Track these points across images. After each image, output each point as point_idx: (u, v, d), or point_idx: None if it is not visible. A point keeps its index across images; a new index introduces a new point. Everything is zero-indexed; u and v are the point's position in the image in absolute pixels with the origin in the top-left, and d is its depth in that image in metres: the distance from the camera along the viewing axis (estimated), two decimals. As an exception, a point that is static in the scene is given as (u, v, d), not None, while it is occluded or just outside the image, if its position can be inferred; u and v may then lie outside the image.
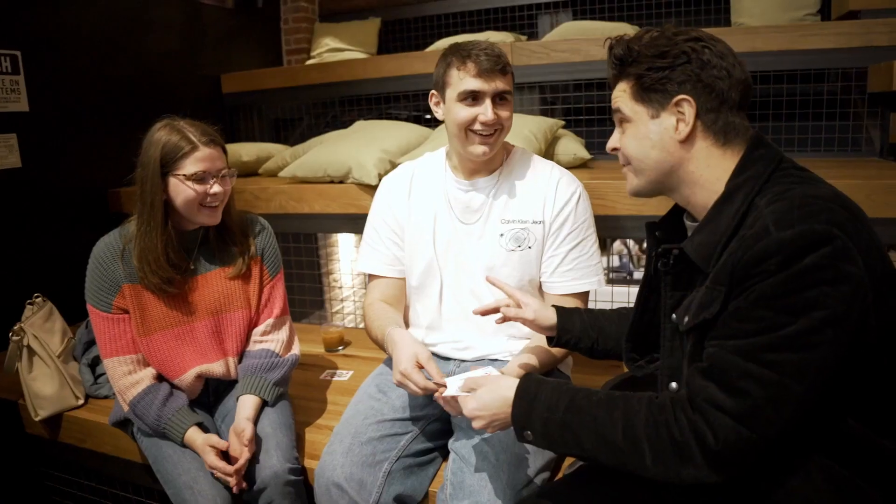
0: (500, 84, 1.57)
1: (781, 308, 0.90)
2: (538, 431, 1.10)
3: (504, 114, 1.59)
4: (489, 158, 1.63)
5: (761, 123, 2.98)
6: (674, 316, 1.10)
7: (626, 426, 1.00)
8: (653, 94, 1.08)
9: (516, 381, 1.16)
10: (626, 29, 3.31)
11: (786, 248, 0.90)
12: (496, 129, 1.59)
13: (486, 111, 1.55)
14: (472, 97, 1.56)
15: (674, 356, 1.12)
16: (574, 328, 1.42)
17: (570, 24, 3.49)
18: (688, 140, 1.07)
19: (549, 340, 1.46)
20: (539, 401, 1.11)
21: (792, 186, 0.99)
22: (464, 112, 1.57)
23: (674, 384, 1.09)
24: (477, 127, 1.57)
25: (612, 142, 1.18)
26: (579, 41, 3.01)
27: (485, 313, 1.46)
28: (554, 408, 1.08)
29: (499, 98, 1.58)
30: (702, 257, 1.04)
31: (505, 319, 1.45)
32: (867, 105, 2.73)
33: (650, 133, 1.10)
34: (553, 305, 1.46)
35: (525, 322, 1.42)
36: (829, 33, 2.65)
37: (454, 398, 1.30)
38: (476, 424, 1.21)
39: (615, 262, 4.02)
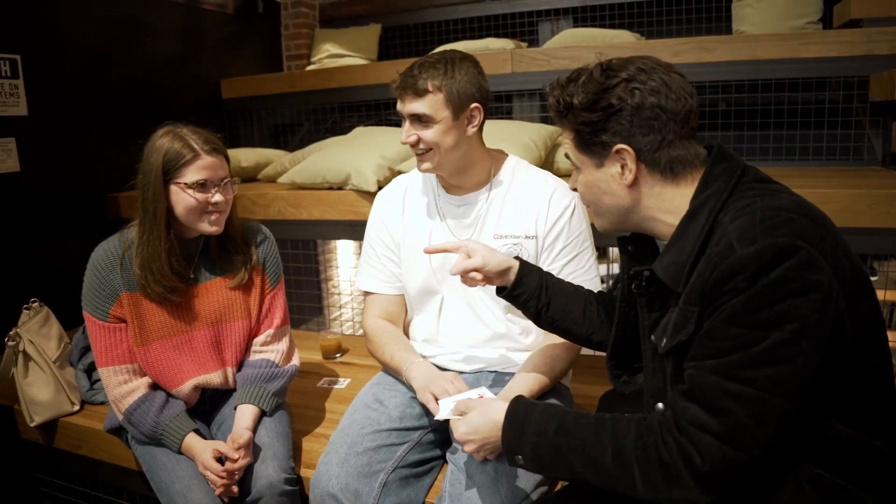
0: (409, 106, 1.53)
1: (754, 324, 0.91)
2: (528, 455, 1.10)
3: (426, 134, 1.53)
4: (471, 173, 1.62)
5: (762, 132, 2.98)
6: (652, 337, 1.11)
7: (616, 449, 1.01)
8: (591, 146, 1.09)
9: (506, 405, 1.16)
10: (626, 37, 3.31)
11: (751, 265, 0.90)
12: (428, 149, 1.56)
13: (403, 132, 1.56)
14: (405, 118, 1.57)
15: (656, 377, 1.12)
16: (531, 284, 1.38)
17: (571, 31, 3.49)
18: (635, 183, 1.08)
19: (500, 291, 1.41)
20: (528, 425, 1.11)
21: (753, 200, 0.99)
22: (403, 129, 1.58)
23: (660, 405, 1.09)
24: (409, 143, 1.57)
25: (572, 182, 1.20)
26: (580, 48, 3.01)
27: (436, 251, 1.45)
28: (543, 432, 1.08)
29: (417, 119, 1.54)
30: (671, 278, 1.05)
31: (463, 276, 1.38)
32: (869, 114, 2.73)
33: (598, 181, 1.11)
34: (516, 257, 1.42)
35: (478, 271, 1.35)
36: (830, 42, 2.65)
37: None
38: (467, 448, 1.22)
39: (615, 269, 4.00)
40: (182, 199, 1.57)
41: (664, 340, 1.05)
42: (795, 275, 0.89)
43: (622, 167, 1.07)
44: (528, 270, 1.39)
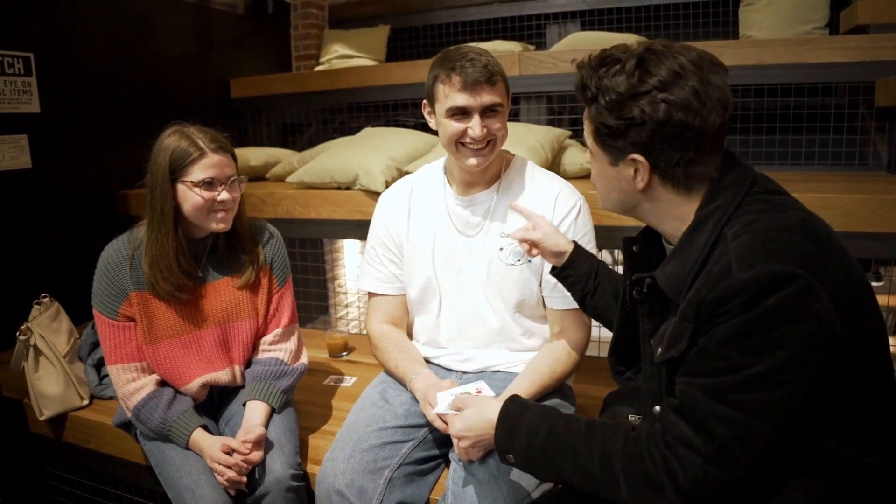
0: (487, 97, 1.50)
1: (746, 349, 0.91)
2: (519, 456, 1.12)
3: (495, 125, 1.53)
4: (485, 170, 1.61)
5: (768, 136, 2.99)
6: (652, 342, 1.11)
7: (603, 457, 1.02)
8: (609, 146, 1.07)
9: (500, 404, 1.18)
10: (633, 41, 3.32)
11: (747, 290, 0.90)
12: (489, 141, 1.55)
13: (474, 127, 1.51)
14: (461, 112, 1.52)
15: (654, 381, 1.12)
16: (580, 269, 1.45)
17: (578, 34, 3.50)
18: (647, 189, 1.07)
19: (552, 270, 1.50)
20: (521, 426, 1.12)
21: (759, 217, 0.98)
22: (452, 127, 1.53)
23: (657, 407, 1.10)
24: (467, 141, 1.54)
25: (588, 156, 1.18)
26: (587, 51, 3.01)
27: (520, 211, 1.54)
28: (535, 434, 1.10)
29: (489, 110, 1.53)
30: (672, 289, 1.05)
31: (525, 240, 1.47)
32: (874, 119, 2.74)
33: (611, 177, 1.11)
34: (574, 241, 1.49)
35: (535, 242, 1.45)
36: (836, 47, 2.66)
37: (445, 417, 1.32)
38: (462, 444, 1.25)
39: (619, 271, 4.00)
40: (189, 197, 1.59)
41: (659, 350, 1.05)
42: (791, 303, 0.88)
43: (635, 171, 1.06)
44: (580, 256, 1.46)
